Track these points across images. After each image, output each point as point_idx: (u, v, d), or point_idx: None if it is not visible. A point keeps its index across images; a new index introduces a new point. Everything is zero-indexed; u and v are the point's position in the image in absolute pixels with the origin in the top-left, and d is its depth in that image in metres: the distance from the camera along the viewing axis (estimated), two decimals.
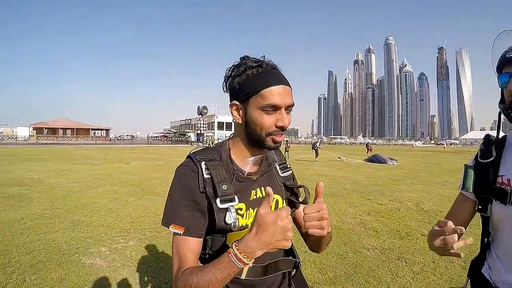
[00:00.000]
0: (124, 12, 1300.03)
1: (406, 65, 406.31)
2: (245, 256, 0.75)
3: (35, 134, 60.25)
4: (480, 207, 1.11)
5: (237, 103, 0.98)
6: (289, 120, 0.96)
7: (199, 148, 1.08)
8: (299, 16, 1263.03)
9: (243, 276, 0.94)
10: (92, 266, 3.55)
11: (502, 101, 1.08)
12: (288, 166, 1.21)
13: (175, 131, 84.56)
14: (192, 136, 59.36)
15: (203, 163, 0.96)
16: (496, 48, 1.12)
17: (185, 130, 73.02)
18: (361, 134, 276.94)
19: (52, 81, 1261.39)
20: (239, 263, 0.76)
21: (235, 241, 0.79)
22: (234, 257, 0.76)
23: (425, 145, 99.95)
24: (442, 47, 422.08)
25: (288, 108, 0.95)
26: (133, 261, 3.72)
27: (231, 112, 1.01)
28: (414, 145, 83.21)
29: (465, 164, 1.19)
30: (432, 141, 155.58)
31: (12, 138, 56.09)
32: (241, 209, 0.97)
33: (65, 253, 3.86)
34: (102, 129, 76.35)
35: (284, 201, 1.11)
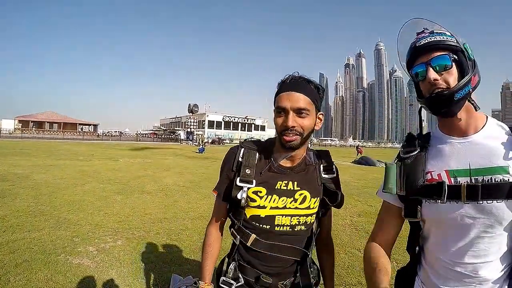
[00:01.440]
0: (116, 6, 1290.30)
1: (396, 70, 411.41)
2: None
3: (20, 127, 58.56)
4: (407, 211, 1.03)
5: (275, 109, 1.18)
6: (303, 123, 1.11)
7: (254, 139, 1.33)
8: (291, 20, 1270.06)
9: (248, 243, 1.19)
10: (80, 266, 3.45)
11: (420, 95, 1.02)
12: (333, 169, 1.32)
13: (165, 128, 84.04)
14: (182, 134, 58.98)
15: (243, 149, 1.23)
16: (402, 43, 1.05)
17: (175, 128, 72.52)
18: (352, 137, 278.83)
19: (38, 73, 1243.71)
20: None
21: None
22: None
23: None
24: None
25: (298, 111, 1.10)
26: (122, 261, 3.64)
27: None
28: None
29: (385, 162, 1.12)
30: None
31: None
32: (260, 191, 1.18)
33: (51, 253, 3.74)
34: (90, 124, 75.27)
35: (315, 199, 1.24)
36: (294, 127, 1.09)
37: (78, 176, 10.06)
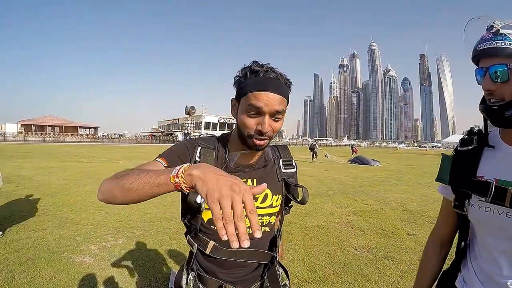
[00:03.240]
0: (112, 9, 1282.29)
1: (390, 70, 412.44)
2: (182, 174, 0.68)
3: (23, 131, 59.80)
4: (456, 203, 0.99)
5: (234, 99, 1.06)
6: (275, 127, 1.00)
7: (208, 135, 1.18)
8: (285, 21, 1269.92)
9: (207, 251, 1.06)
10: (82, 264, 3.52)
11: (482, 99, 0.93)
12: (293, 164, 1.23)
13: (162, 130, 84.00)
14: (179, 136, 59.09)
15: (199, 148, 1.08)
16: (468, 37, 0.93)
17: (173, 130, 72.56)
18: (346, 136, 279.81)
19: (40, 79, 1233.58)
20: (173, 170, 0.70)
21: (188, 164, 0.73)
22: (176, 170, 0.70)
23: (408, 148, 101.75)
24: (423, 54, 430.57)
25: (274, 115, 0.98)
26: (123, 260, 3.70)
27: (231, 107, 1.09)
28: (398, 147, 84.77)
29: (442, 153, 1.10)
30: (415, 144, 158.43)
31: (0, 135, 54.92)
32: None
33: (54, 251, 3.81)
34: (90, 127, 75.64)
35: (277, 196, 1.17)
36: (267, 132, 0.98)
37: (80, 177, 10.14)
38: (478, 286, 0.96)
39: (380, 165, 19.09)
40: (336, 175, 13.48)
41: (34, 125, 65.52)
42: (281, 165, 1.20)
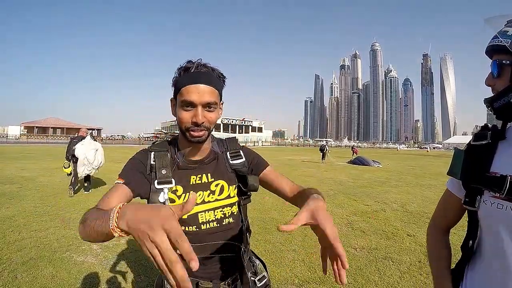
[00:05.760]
0: (115, 13, 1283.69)
1: (391, 70, 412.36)
2: (115, 217, 0.63)
3: (26, 133, 60.32)
4: (467, 199, 0.96)
5: (173, 98, 1.11)
6: (210, 118, 1.06)
7: (159, 141, 1.22)
8: (286, 21, 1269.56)
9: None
10: (84, 264, 3.55)
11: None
12: (241, 154, 1.26)
13: (165, 131, 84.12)
14: None
15: (152, 153, 1.13)
16: (489, 31, 0.92)
17: (175, 131, 72.66)
18: (347, 137, 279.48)
19: (44, 81, 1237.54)
20: (110, 221, 0.64)
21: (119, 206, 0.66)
22: (113, 213, 0.65)
23: (409, 149, 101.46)
24: (427, 54, 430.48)
25: (207, 105, 1.04)
26: (124, 259, 3.72)
27: (171, 107, 1.13)
28: (398, 149, 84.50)
29: (455, 147, 1.09)
30: (416, 145, 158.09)
31: (3, 137, 55.49)
32: (177, 190, 1.10)
33: (56, 251, 3.84)
34: (93, 129, 75.43)
35: (233, 187, 1.20)
36: (203, 122, 1.04)
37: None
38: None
39: (380, 166, 19.08)
40: (337, 175, 13.49)
41: (36, 127, 65.98)
42: (229, 157, 1.23)
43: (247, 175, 1.20)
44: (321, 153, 22.33)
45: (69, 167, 7.64)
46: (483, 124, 1.03)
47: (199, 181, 1.14)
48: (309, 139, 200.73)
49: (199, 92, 1.01)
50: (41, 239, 4.22)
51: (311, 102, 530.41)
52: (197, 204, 1.11)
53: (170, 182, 1.07)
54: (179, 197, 1.10)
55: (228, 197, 1.18)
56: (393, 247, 4.39)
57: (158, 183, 1.06)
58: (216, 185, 1.16)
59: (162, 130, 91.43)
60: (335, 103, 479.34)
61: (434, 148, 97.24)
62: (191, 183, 1.13)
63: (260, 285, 1.21)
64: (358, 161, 20.58)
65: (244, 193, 1.22)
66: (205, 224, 1.12)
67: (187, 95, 1.01)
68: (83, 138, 7.79)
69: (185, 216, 0.95)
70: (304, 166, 18.20)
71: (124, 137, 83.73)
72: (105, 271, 3.39)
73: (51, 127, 67.40)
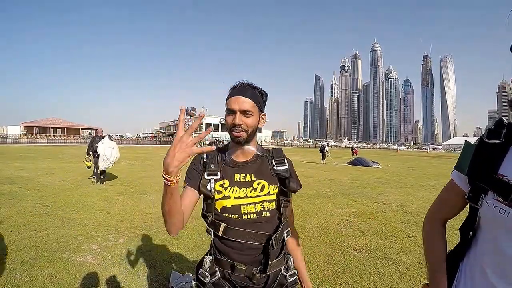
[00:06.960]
0: (118, 13, 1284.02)
1: (391, 71, 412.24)
2: (164, 173, 1.02)
3: (25, 133, 60.29)
4: (471, 195, 0.95)
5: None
6: (247, 122, 1.29)
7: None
8: (286, 21, 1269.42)
9: (220, 233, 1.28)
10: (83, 264, 3.54)
11: None
12: (285, 162, 1.43)
13: (164, 131, 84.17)
14: None
15: (205, 154, 1.35)
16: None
17: (174, 131, 72.68)
18: (346, 138, 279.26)
19: (44, 81, 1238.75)
20: (165, 181, 1.03)
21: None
22: (163, 176, 1.03)
23: (408, 150, 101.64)
24: (427, 55, 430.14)
25: (244, 112, 1.28)
26: (124, 259, 3.72)
27: None
28: (398, 149, 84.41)
29: (465, 140, 1.05)
30: (416, 146, 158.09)
31: (2, 137, 55.41)
32: (224, 183, 1.31)
33: (55, 251, 3.84)
34: (92, 129, 75.51)
35: (273, 186, 1.37)
36: (240, 124, 1.26)
37: (81, 178, 10.22)
38: (483, 276, 0.93)
39: (380, 167, 19.10)
40: (336, 176, 13.50)
41: (36, 127, 65.79)
42: (274, 164, 1.41)
43: (289, 177, 1.37)
44: (321, 154, 22.40)
45: (90, 161, 9.50)
46: (498, 119, 0.98)
47: (243, 179, 1.34)
48: (309, 140, 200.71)
49: (238, 102, 1.27)
50: (41, 239, 4.22)
51: (311, 102, 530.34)
52: (240, 198, 1.30)
53: (217, 175, 1.30)
54: (225, 188, 1.31)
55: (268, 194, 1.34)
56: (393, 248, 4.38)
57: (207, 175, 1.30)
58: (258, 184, 1.34)
59: (160, 130, 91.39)
60: (335, 103, 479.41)
61: (434, 149, 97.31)
62: (235, 180, 1.33)
63: (290, 280, 1.36)
64: (358, 162, 20.58)
65: (284, 193, 1.37)
66: (246, 215, 1.30)
67: (230, 104, 1.29)
68: (103, 137, 9.55)
69: (229, 205, 1.29)
70: (304, 166, 18.19)
71: (123, 137, 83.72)
72: (104, 271, 3.39)
73: (51, 127, 67.23)
